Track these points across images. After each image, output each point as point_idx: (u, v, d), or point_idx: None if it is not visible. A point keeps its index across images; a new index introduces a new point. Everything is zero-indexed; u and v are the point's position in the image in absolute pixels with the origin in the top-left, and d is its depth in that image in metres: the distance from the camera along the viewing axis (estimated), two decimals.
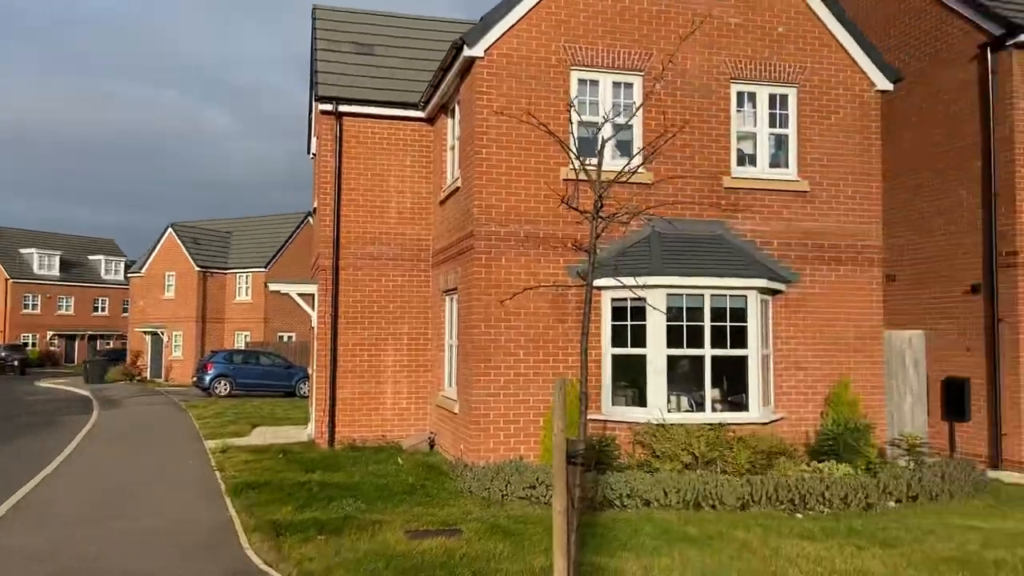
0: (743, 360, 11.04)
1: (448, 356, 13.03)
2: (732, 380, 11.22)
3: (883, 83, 12.08)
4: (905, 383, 12.38)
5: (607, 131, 10.97)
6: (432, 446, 13.29)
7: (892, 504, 9.17)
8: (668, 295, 10.84)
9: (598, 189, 5.65)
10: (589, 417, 10.91)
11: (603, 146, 5.98)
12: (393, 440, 13.70)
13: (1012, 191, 12.54)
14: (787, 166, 11.93)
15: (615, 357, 11.10)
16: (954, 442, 12.73)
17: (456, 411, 11.71)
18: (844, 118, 11.97)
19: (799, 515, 8.62)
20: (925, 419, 12.53)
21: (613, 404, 11.12)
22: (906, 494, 9.28)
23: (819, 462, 10.11)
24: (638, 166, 5.81)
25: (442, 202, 13.41)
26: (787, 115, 11.92)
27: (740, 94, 11.86)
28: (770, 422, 11.06)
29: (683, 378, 11.09)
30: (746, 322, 11.04)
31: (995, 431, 12.60)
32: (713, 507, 8.76)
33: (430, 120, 14.25)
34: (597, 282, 10.85)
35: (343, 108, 13.85)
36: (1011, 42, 12.48)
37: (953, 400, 12.62)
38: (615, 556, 6.74)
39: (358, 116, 14.05)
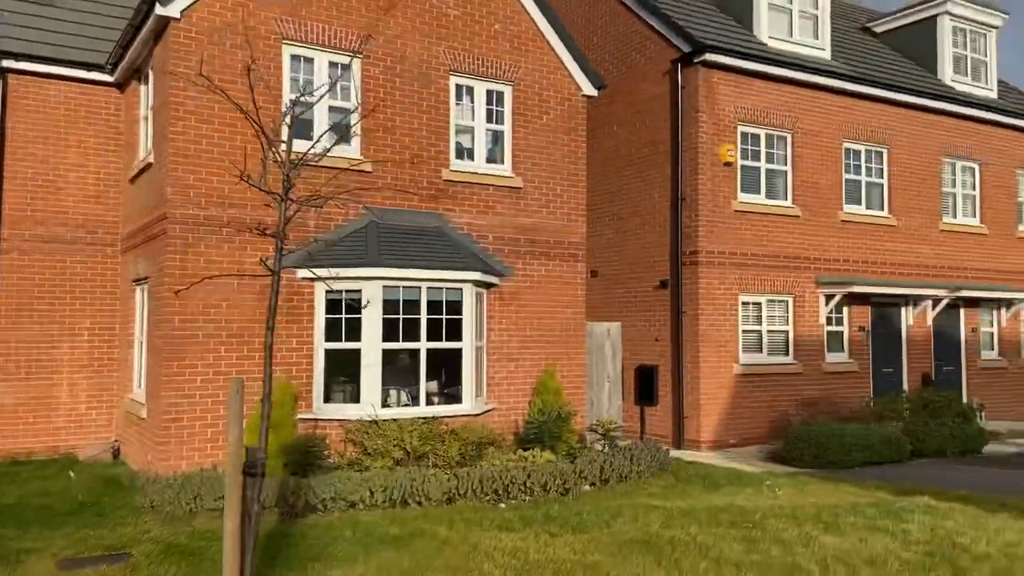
0: (458, 353, 11.07)
1: (139, 354, 11.58)
2: (448, 373, 11.21)
3: (589, 89, 12.78)
4: (604, 371, 13.26)
5: (323, 111, 10.42)
6: (117, 456, 11.74)
7: (587, 488, 9.67)
8: (385, 287, 10.54)
9: (286, 169, 5.11)
10: (299, 416, 10.30)
11: (292, 124, 5.44)
12: (68, 451, 11.90)
13: (695, 197, 13.94)
14: (503, 162, 12.17)
15: (329, 352, 10.56)
16: (644, 425, 13.89)
17: (145, 416, 10.42)
18: (554, 119, 12.47)
19: (502, 505, 8.75)
20: (620, 404, 13.53)
21: (326, 401, 10.58)
22: (599, 477, 9.84)
23: (525, 450, 10.40)
24: (328, 149, 5.37)
25: (133, 179, 11.89)
26: (503, 112, 12.15)
27: (459, 87, 11.87)
28: (482, 413, 11.20)
29: (400, 372, 10.85)
30: (462, 315, 11.08)
31: (678, 414, 13.97)
32: (420, 503, 8.59)
33: (120, 86, 12.56)
34: (308, 272, 10.27)
35: (8, 64, 11.72)
36: (698, 59, 13.85)
37: (644, 386, 13.77)
38: (306, 570, 6.25)
39: (28, 74, 11.98)
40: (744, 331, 14.37)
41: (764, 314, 14.65)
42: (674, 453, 12.66)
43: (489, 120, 12.08)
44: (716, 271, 14.01)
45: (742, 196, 14.43)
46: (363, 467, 9.57)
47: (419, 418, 10.37)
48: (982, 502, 8.87)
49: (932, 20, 18.01)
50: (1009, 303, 17.61)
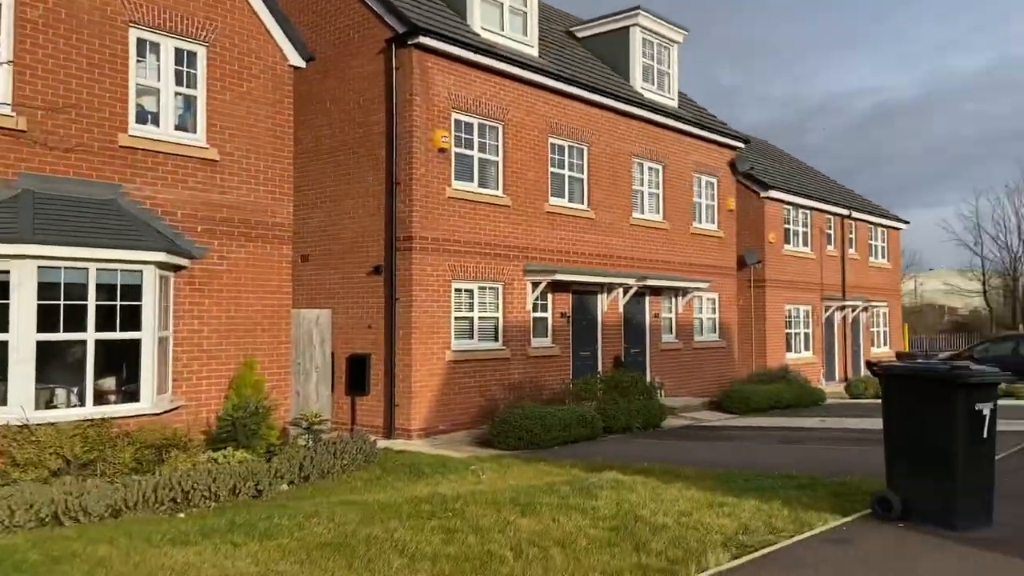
0: (137, 344, 9.71)
1: None
2: (126, 367, 9.80)
3: (296, 59, 11.92)
4: (312, 361, 12.56)
5: None
6: None
7: (285, 487, 8.96)
8: (41, 268, 8.91)
9: None
10: None
11: None
12: None
13: (410, 181, 13.70)
14: (195, 131, 10.91)
15: None
16: (355, 416, 13.41)
17: None
18: (257, 89, 11.46)
19: (182, 515, 7.75)
20: (329, 395, 12.92)
21: None
22: (299, 475, 9.18)
23: (216, 451, 9.43)
24: None
25: None
26: (195, 75, 10.89)
27: (142, 42, 10.41)
28: (166, 412, 9.96)
29: (68, 368, 9.28)
30: (142, 301, 9.73)
31: (390, 402, 13.68)
32: (78, 520, 7.30)
33: None
34: None
35: None
36: (412, 41, 13.57)
37: (355, 375, 13.27)
38: None
39: None
40: (456, 317, 14.46)
41: (476, 301, 14.87)
42: (385, 443, 12.34)
43: (179, 83, 10.76)
44: (430, 257, 13.90)
45: (456, 183, 14.47)
46: (10, 480, 8.02)
47: (86, 420, 8.93)
48: (661, 474, 9.63)
49: (625, 31, 19.57)
50: (684, 291, 19.75)
